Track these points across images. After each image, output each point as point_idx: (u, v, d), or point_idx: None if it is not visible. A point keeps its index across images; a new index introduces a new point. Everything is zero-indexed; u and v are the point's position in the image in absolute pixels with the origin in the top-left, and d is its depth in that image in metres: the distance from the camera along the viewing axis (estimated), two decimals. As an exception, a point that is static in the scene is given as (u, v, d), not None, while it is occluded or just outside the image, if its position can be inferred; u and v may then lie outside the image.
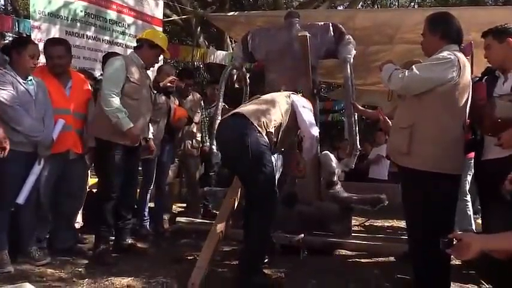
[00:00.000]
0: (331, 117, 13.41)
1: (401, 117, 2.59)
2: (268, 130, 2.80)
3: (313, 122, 3.03)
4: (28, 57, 3.03)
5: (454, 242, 1.66)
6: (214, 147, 3.88)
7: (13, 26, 7.72)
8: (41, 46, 3.47)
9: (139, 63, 3.42)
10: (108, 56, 3.81)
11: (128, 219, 3.56)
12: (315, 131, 2.99)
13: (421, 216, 2.47)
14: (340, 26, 3.74)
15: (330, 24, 3.73)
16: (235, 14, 6.24)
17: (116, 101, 3.21)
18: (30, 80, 3.11)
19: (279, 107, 2.94)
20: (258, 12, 7.56)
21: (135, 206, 3.99)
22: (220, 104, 3.93)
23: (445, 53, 2.45)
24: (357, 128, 3.57)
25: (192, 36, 8.83)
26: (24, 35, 7.71)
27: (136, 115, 3.36)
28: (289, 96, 3.07)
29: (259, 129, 2.76)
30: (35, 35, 4.47)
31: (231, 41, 9.45)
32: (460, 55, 2.47)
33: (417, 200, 2.48)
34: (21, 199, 3.00)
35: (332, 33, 3.70)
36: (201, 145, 4.82)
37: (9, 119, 2.93)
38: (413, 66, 2.46)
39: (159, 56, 3.57)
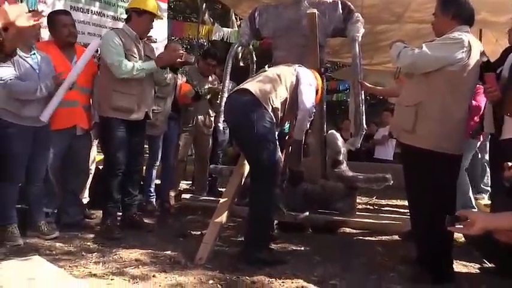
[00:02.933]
0: (335, 97, 13.40)
1: (408, 95, 2.60)
2: (274, 106, 2.82)
3: (312, 98, 3.00)
4: (30, 27, 2.94)
5: (460, 220, 1.68)
6: (220, 124, 3.88)
7: (17, 0, 7.63)
8: (46, 21, 3.45)
9: (133, 35, 3.37)
10: None
11: (135, 195, 3.59)
12: (310, 106, 2.97)
13: (422, 194, 2.51)
14: (349, 3, 3.68)
15: (339, 2, 3.67)
16: (242, -10, 6.14)
17: (127, 63, 3.21)
18: (34, 53, 3.09)
19: (285, 82, 2.94)
20: (264, -12, 7.45)
21: (141, 183, 4.03)
22: (227, 82, 3.90)
23: (455, 33, 2.45)
24: (363, 107, 3.57)
25: (197, 13, 8.75)
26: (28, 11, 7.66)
27: (138, 88, 3.35)
28: (294, 69, 3.05)
29: (265, 105, 2.78)
30: (41, 9, 4.41)
31: (236, 18, 9.36)
32: (470, 36, 2.46)
33: (419, 177, 2.52)
34: (45, 116, 3.00)
35: (341, 11, 3.65)
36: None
37: (11, 93, 2.91)
38: (423, 45, 2.46)
39: (151, 21, 3.45)
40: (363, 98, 3.56)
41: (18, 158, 3.02)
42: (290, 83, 2.96)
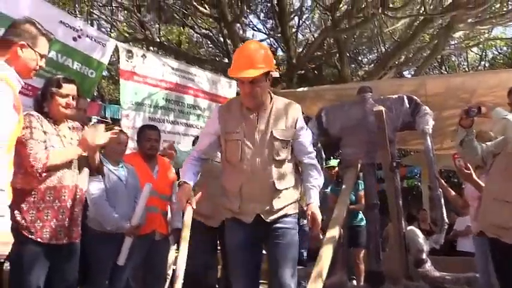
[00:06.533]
0: (406, 183, 12.97)
1: (506, 189, 2.44)
2: None
3: None
4: (117, 145, 3.22)
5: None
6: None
7: (100, 110, 8.48)
8: (129, 133, 3.78)
9: None
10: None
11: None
12: None
13: None
14: (415, 97, 3.73)
15: (405, 97, 3.74)
16: (305, 89, 6.45)
17: None
18: (122, 166, 3.34)
19: None
20: (326, 86, 7.74)
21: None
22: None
23: None
24: (443, 201, 3.41)
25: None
26: (110, 119, 8.42)
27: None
28: None
29: None
30: (124, 123, 4.87)
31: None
32: None
33: None
34: (121, 260, 3.11)
35: (407, 105, 3.69)
36: None
37: (96, 214, 3.10)
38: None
39: None
40: (441, 191, 3.43)
41: (103, 265, 3.11)
42: None
